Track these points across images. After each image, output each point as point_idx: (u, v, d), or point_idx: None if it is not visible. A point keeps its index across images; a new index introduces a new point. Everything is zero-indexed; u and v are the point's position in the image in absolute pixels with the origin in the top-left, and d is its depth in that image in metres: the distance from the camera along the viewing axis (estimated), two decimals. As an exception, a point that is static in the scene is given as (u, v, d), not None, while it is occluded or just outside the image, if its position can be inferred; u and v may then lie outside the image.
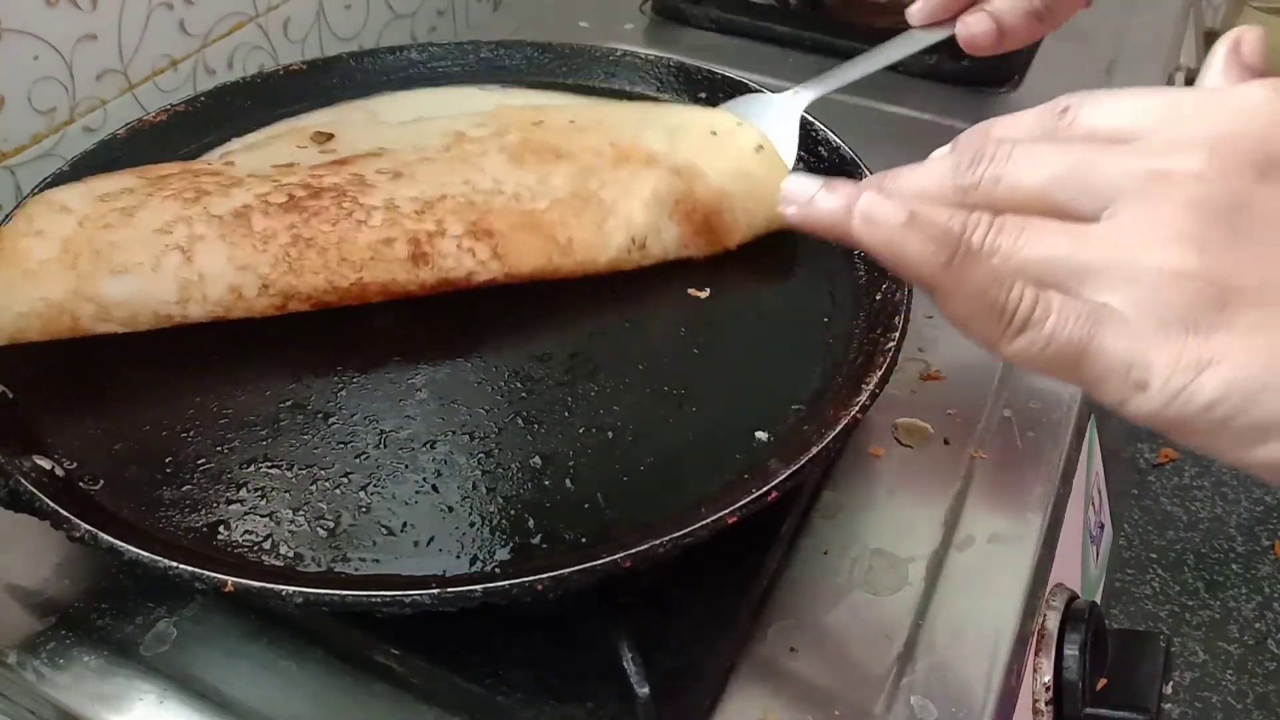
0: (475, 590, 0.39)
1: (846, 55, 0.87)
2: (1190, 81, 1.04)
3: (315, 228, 0.52)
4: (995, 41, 0.52)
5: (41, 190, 0.58)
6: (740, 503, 0.42)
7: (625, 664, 0.43)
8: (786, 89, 0.64)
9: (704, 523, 0.41)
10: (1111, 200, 0.30)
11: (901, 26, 0.61)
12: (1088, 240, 0.30)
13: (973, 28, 0.53)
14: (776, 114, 0.62)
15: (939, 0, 0.55)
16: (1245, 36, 0.39)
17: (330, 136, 0.62)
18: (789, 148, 0.61)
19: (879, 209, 0.32)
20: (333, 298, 0.52)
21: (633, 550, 0.40)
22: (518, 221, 0.54)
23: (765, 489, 0.43)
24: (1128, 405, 0.30)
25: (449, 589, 0.39)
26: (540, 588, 0.39)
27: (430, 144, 0.60)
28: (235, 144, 0.65)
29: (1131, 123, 0.32)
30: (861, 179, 0.41)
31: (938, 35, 0.56)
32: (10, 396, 0.50)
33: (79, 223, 0.52)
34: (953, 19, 0.55)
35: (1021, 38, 0.53)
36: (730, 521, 0.42)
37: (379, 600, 0.40)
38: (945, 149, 0.36)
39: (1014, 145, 0.33)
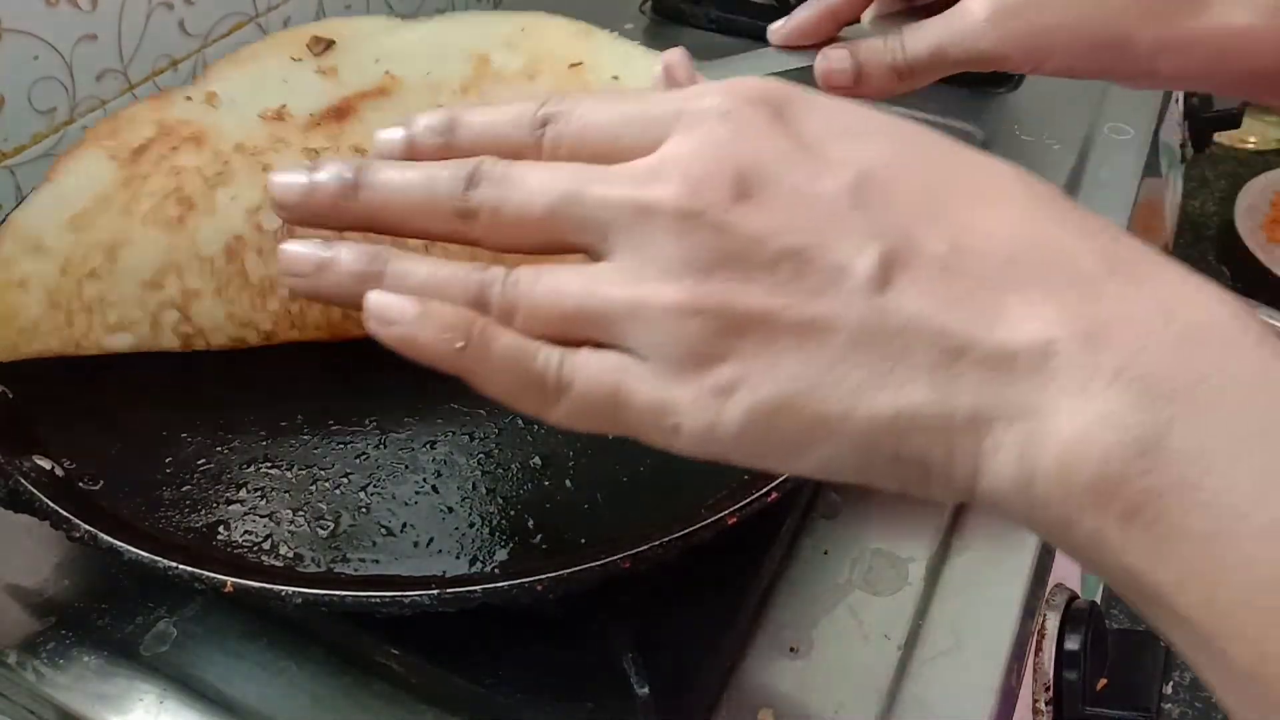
0: (475, 591, 0.39)
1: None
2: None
3: None
4: (851, 83, 0.49)
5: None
6: (740, 503, 0.42)
7: (625, 664, 0.43)
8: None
9: (704, 523, 0.41)
10: (608, 236, 0.29)
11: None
12: (597, 283, 0.29)
13: (833, 63, 0.49)
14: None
15: (804, 25, 0.51)
16: (671, 59, 0.38)
17: (330, 44, 0.56)
18: None
19: (390, 309, 0.30)
20: (343, 337, 0.51)
21: (632, 551, 0.40)
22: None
23: (765, 489, 0.43)
24: (674, 449, 0.29)
25: (448, 590, 0.39)
26: (540, 588, 0.39)
27: (449, 77, 0.55)
28: (224, 60, 0.58)
29: (609, 137, 0.31)
30: None
31: (795, 62, 0.52)
32: (10, 396, 0.50)
33: (60, 269, 0.49)
34: (816, 47, 0.51)
35: (879, 89, 0.49)
36: (730, 522, 0.42)
37: (378, 601, 0.40)
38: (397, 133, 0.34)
39: (509, 166, 0.31)
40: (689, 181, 0.28)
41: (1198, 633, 0.24)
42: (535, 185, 0.30)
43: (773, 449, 0.28)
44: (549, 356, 0.30)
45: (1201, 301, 0.26)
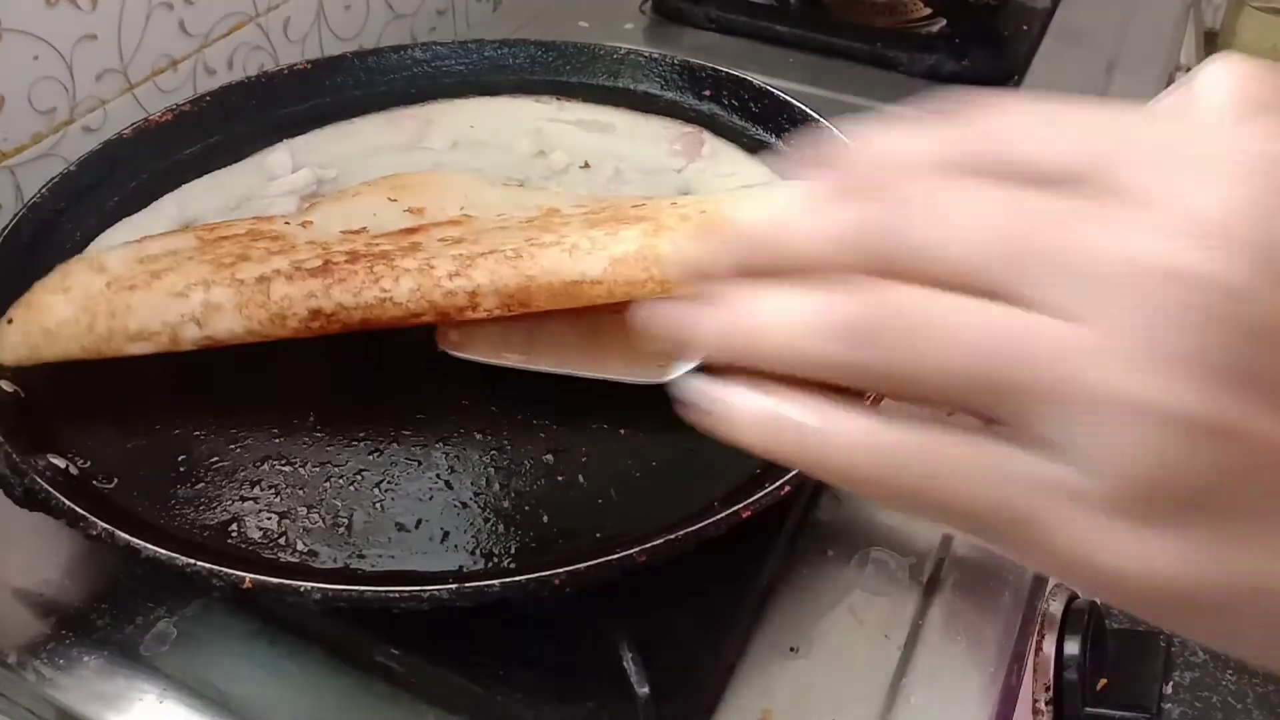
0: (493, 585, 0.39)
1: (847, 55, 0.88)
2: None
3: (335, 299, 0.49)
4: None
5: (44, 191, 0.58)
6: (754, 497, 0.42)
7: (625, 664, 0.43)
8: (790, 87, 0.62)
9: (718, 516, 0.41)
10: (1084, 293, 0.20)
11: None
12: (1041, 351, 0.20)
13: None
14: None
15: None
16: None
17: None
18: None
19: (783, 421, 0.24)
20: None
21: (649, 545, 0.40)
22: (560, 291, 0.49)
23: (778, 483, 0.43)
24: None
25: (467, 584, 0.39)
26: (557, 582, 0.39)
27: (517, 216, 0.56)
28: (327, 198, 0.60)
29: (1101, 162, 0.21)
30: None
31: None
32: (23, 396, 0.50)
33: (106, 283, 0.50)
34: None
35: None
36: (745, 515, 0.42)
37: (398, 596, 0.39)
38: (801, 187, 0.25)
39: (928, 188, 0.23)
40: (1260, 263, 0.19)
41: None
42: (972, 215, 0.22)
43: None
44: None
45: None
